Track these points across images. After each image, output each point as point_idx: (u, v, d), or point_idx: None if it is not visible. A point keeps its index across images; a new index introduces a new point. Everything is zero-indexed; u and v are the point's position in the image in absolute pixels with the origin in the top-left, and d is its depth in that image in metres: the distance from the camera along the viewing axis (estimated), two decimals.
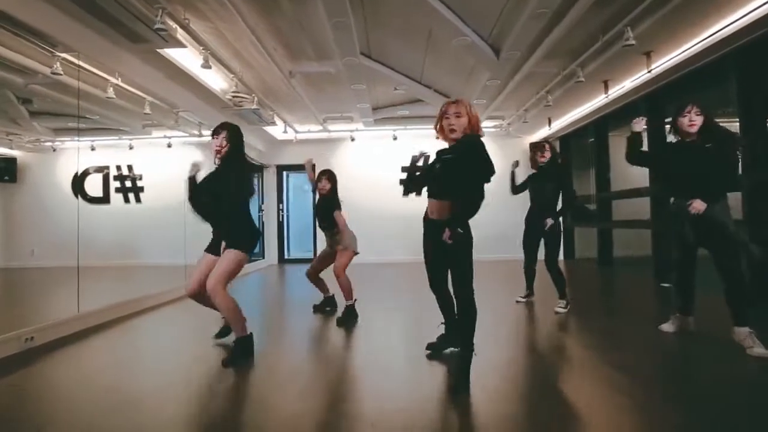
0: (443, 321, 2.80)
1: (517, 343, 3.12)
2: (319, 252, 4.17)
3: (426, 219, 2.51)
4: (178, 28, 3.82)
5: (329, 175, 4.00)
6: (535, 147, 4.16)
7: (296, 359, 2.85)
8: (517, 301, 4.34)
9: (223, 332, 3.19)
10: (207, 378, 2.48)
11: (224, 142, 2.86)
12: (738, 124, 4.24)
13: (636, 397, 2.08)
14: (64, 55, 4.12)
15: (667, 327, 3.12)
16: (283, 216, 9.32)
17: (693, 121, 2.75)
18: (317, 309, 4.18)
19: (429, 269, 2.61)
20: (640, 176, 6.09)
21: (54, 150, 8.16)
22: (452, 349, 2.76)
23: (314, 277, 4.10)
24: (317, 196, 4.06)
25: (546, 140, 4.27)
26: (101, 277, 6.42)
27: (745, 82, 4.13)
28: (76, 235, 4.40)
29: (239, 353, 2.72)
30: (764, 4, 3.51)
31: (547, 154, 4.05)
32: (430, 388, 2.27)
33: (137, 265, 7.31)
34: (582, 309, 4.01)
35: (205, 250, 3.00)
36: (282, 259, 9.23)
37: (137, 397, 2.20)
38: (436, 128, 2.47)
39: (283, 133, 7.93)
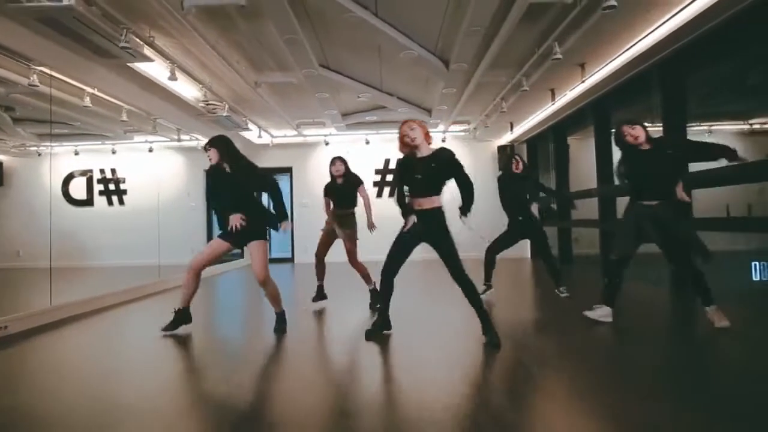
0: (378, 306, 3.20)
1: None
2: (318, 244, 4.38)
3: (415, 211, 2.94)
4: (144, 44, 4.17)
5: (342, 159, 4.27)
6: (509, 157, 4.66)
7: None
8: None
9: (172, 326, 3.34)
10: (169, 361, 2.83)
11: (216, 157, 3.24)
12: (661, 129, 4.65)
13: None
14: (40, 68, 4.47)
15: (593, 314, 3.31)
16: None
17: (635, 135, 3.11)
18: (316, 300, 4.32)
19: (394, 259, 3.03)
20: (593, 178, 6.49)
21: (39, 155, 8.45)
22: (387, 331, 3.16)
23: (322, 259, 4.30)
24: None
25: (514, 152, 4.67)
26: (84, 276, 6.74)
27: (667, 93, 4.53)
28: (54, 236, 4.72)
29: (284, 323, 3.36)
30: (672, 18, 3.88)
31: (521, 166, 4.50)
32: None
33: (119, 266, 7.62)
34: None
35: (220, 237, 3.31)
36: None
37: (101, 375, 2.55)
38: (400, 149, 3.00)
39: (259, 138, 8.27)
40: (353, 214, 4.25)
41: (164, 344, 3.10)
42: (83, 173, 8.97)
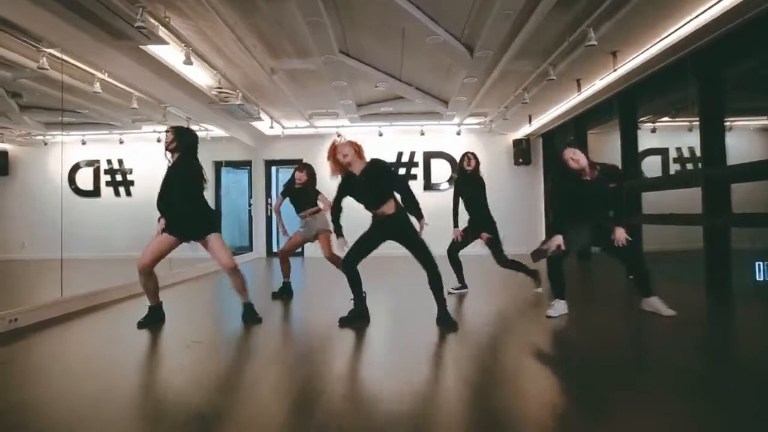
0: (353, 297, 3.23)
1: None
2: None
3: (381, 217, 3.16)
4: (159, 25, 3.97)
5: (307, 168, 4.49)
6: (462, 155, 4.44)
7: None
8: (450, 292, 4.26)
9: (145, 321, 3.27)
10: (174, 356, 2.66)
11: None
12: (698, 123, 4.43)
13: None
14: (49, 50, 4.29)
15: (553, 312, 3.35)
16: (271, 210, 9.47)
17: (576, 159, 3.22)
18: (276, 296, 4.39)
19: (358, 252, 3.18)
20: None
21: (45, 144, 8.31)
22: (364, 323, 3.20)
23: (286, 258, 4.50)
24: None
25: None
26: (93, 268, 6.58)
27: (703, 83, 4.31)
28: (61, 227, 4.56)
29: (254, 313, 3.33)
30: (713, 5, 3.68)
31: (473, 163, 4.33)
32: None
33: (128, 257, 7.46)
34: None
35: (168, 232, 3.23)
36: (270, 252, 9.40)
37: (109, 365, 2.38)
38: (333, 170, 3.18)
39: (271, 129, 8.08)
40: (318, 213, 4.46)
41: (172, 339, 2.94)
42: (90, 163, 8.82)
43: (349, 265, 3.19)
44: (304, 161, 4.87)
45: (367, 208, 3.18)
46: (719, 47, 4.02)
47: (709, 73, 4.26)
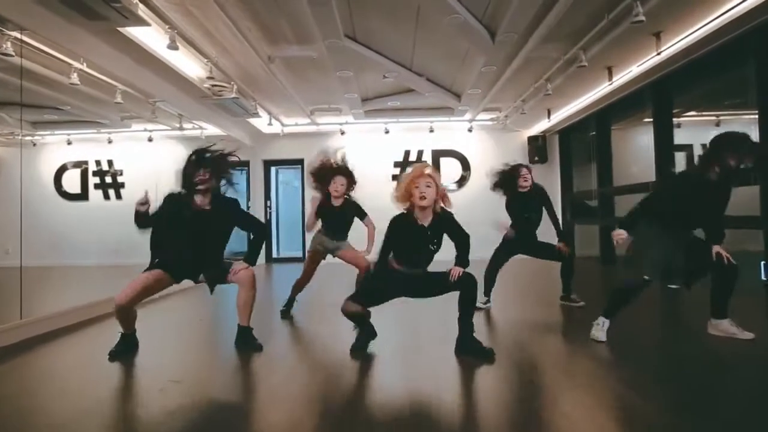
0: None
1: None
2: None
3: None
4: (138, 2, 3.43)
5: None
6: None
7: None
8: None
9: (116, 350, 2.71)
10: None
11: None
12: (757, 115, 3.87)
13: None
14: (13, 33, 3.74)
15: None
16: (270, 213, 8.93)
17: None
18: (285, 314, 3.78)
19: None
20: (643, 171, 5.76)
21: (34, 144, 7.86)
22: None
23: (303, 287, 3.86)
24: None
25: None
26: (82, 277, 6.05)
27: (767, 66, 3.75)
28: (45, 233, 4.01)
29: (248, 337, 2.80)
30: None
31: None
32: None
33: (119, 264, 6.93)
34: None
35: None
36: (270, 259, 8.84)
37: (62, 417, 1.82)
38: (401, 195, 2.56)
39: (269, 126, 7.52)
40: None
41: (145, 377, 2.37)
42: (77, 165, 8.27)
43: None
44: (335, 163, 3.74)
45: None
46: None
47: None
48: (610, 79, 5.36)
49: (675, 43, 4.27)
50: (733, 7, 3.64)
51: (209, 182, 2.69)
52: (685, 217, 2.69)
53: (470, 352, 2.50)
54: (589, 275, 5.96)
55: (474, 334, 2.54)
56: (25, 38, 3.79)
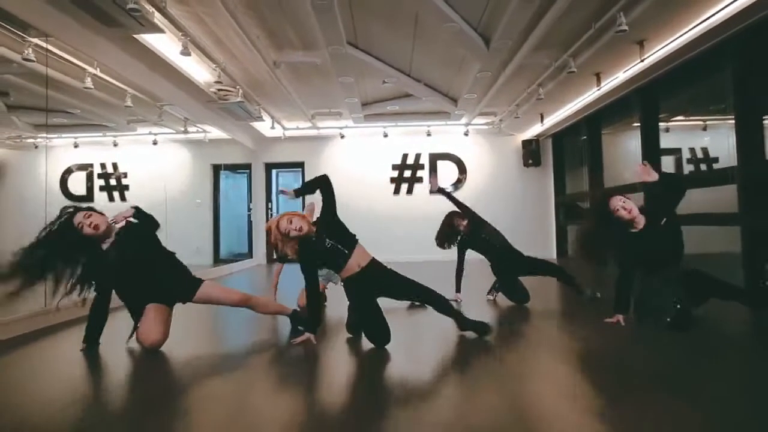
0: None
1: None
2: None
3: (359, 271, 2.75)
4: (155, 11, 3.66)
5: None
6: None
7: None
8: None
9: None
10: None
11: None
12: (734, 120, 4.13)
13: None
14: (35, 40, 3.96)
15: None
16: (271, 215, 9.13)
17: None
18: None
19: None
20: (633, 174, 6.00)
21: (36, 147, 7.98)
22: None
23: None
24: None
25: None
26: None
27: (742, 73, 4.00)
28: None
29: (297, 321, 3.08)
30: None
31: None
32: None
33: None
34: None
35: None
36: (271, 259, 9.03)
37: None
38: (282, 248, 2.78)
39: (272, 129, 7.76)
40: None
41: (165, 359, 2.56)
42: (82, 167, 8.45)
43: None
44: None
45: (340, 270, 2.77)
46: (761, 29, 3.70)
47: (748, 60, 3.94)
48: (599, 84, 5.63)
49: (657, 51, 4.54)
50: (710, 16, 3.89)
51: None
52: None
53: (469, 326, 2.74)
54: (585, 276, 6.16)
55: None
56: (41, 43, 4.01)
